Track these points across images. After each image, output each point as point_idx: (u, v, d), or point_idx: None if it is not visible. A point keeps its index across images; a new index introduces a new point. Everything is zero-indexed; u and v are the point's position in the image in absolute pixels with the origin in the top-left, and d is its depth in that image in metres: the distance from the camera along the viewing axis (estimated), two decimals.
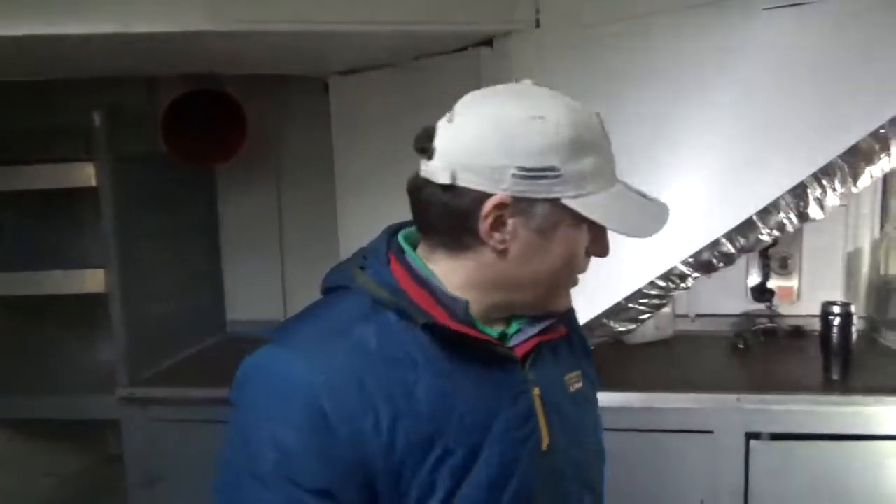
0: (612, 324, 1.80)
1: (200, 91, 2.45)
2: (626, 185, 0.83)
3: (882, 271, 2.46)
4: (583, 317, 1.10)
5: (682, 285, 1.77)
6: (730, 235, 1.66)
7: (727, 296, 2.56)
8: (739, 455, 1.95)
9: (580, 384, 0.94)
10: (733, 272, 2.52)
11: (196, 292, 2.85)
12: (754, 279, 2.50)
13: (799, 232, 2.44)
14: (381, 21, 1.71)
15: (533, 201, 0.76)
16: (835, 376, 1.98)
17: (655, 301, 1.75)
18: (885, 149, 1.63)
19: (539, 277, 0.82)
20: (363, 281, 0.82)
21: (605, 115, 0.80)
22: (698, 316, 2.58)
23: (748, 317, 2.51)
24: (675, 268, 1.70)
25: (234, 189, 2.93)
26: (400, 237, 0.87)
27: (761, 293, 2.49)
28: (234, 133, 2.55)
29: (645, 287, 1.72)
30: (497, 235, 0.77)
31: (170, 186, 2.63)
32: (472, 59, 2.02)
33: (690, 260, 1.71)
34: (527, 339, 0.86)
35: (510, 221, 0.77)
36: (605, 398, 1.01)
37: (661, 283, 1.73)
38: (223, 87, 2.54)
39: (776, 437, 1.94)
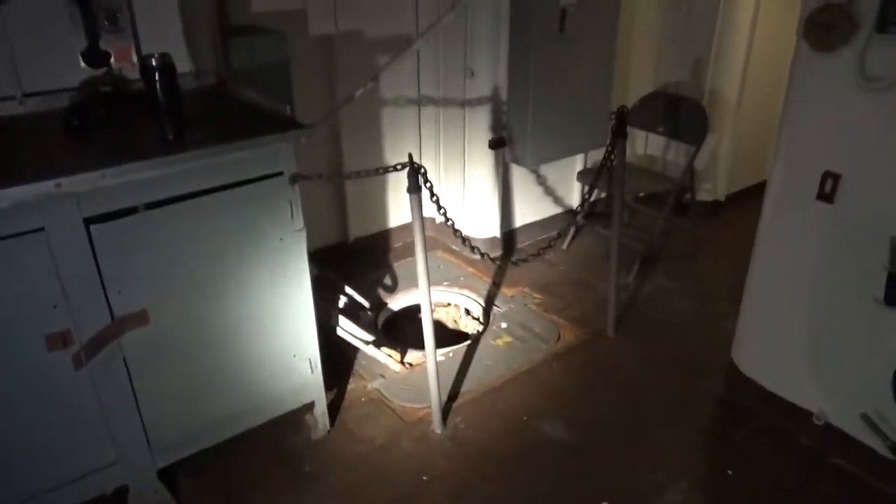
0: None
1: None
2: None
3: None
4: None
5: None
6: None
7: (58, 66, 2.14)
8: (83, 245, 1.73)
9: None
10: (58, 37, 2.11)
11: None
12: (83, 42, 2.12)
13: None
14: None
15: None
16: (170, 135, 1.85)
17: None
18: None
19: None
20: None
21: None
22: (26, 96, 2.11)
23: (87, 87, 2.17)
24: None
25: None
26: None
27: (95, 58, 2.14)
28: None
29: None
30: None
31: None
32: None
33: None
34: None
35: None
36: None
37: None
38: None
39: (119, 213, 1.77)
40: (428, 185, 2.17)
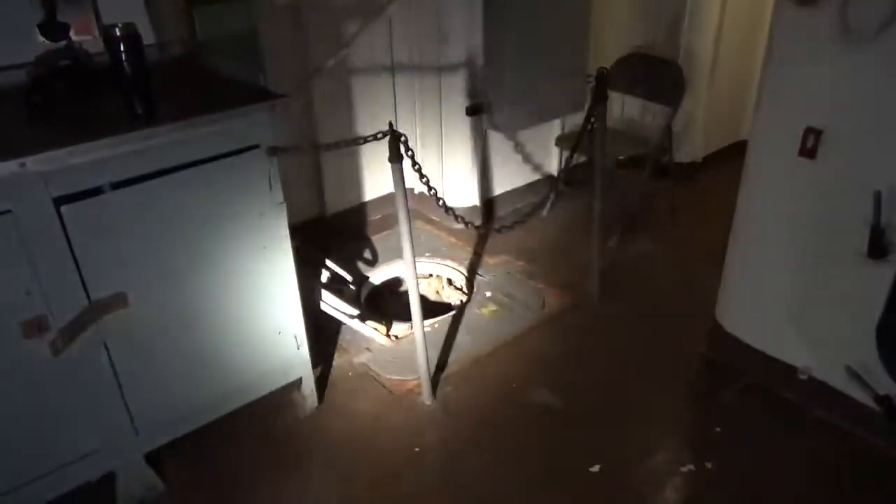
0: None
1: None
2: None
3: None
4: None
5: None
6: None
7: (12, 40, 2.03)
8: (54, 227, 1.66)
9: None
10: (11, 8, 2.00)
11: None
12: (39, 14, 2.02)
13: None
14: None
15: None
16: (139, 110, 1.77)
17: None
18: None
19: None
20: None
21: None
22: None
23: (45, 61, 2.06)
24: None
25: None
26: None
27: (53, 30, 2.04)
28: None
29: None
30: None
31: None
32: None
33: None
34: None
35: None
36: None
37: None
38: None
39: (90, 192, 1.69)
40: (409, 153, 2.12)
